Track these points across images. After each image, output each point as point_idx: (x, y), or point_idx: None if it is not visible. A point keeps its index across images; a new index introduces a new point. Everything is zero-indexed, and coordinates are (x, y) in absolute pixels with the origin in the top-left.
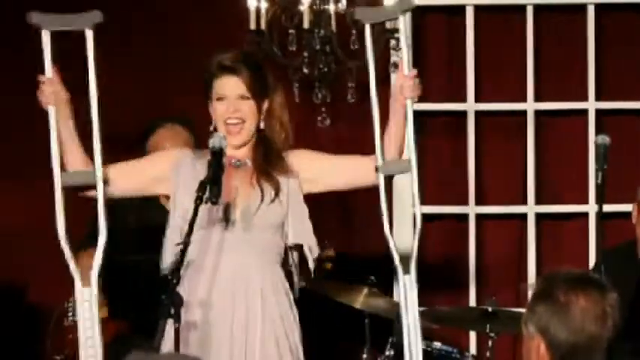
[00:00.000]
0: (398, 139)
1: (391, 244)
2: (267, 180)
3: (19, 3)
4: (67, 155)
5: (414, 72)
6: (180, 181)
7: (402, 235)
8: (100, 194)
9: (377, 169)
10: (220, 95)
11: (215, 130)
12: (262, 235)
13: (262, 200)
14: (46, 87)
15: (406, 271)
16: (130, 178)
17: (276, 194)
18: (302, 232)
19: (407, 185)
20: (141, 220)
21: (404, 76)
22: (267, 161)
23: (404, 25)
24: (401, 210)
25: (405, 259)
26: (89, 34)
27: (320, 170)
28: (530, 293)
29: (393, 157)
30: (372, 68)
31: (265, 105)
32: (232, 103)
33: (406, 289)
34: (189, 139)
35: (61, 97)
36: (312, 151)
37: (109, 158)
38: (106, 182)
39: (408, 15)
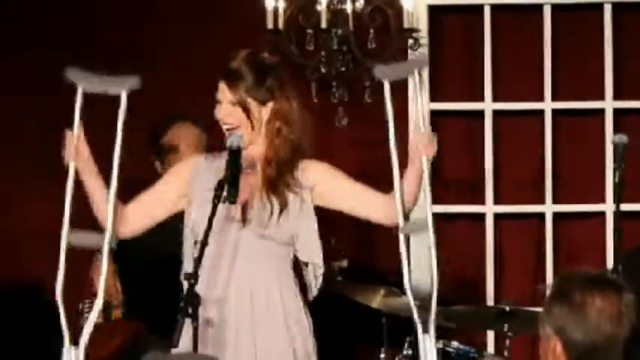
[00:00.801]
0: (412, 192)
1: (411, 299)
2: (275, 196)
3: (19, 3)
4: (99, 206)
5: (429, 130)
6: (194, 194)
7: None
8: (104, 261)
9: (397, 229)
10: (217, 99)
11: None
12: (272, 244)
13: (271, 216)
14: (69, 142)
15: (425, 330)
16: (155, 208)
17: (281, 212)
18: (309, 250)
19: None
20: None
21: (419, 134)
22: (277, 172)
23: (416, 82)
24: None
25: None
26: (124, 97)
27: (337, 190)
28: (547, 294)
29: (407, 207)
30: (391, 124)
31: (266, 111)
32: (223, 108)
33: (425, 349)
34: (201, 137)
35: (82, 154)
36: (333, 167)
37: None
38: (132, 219)
39: (416, 73)
